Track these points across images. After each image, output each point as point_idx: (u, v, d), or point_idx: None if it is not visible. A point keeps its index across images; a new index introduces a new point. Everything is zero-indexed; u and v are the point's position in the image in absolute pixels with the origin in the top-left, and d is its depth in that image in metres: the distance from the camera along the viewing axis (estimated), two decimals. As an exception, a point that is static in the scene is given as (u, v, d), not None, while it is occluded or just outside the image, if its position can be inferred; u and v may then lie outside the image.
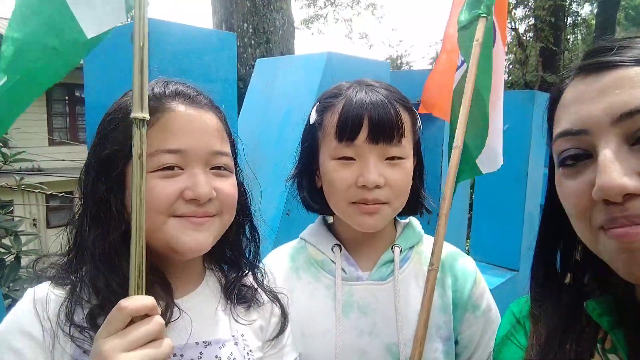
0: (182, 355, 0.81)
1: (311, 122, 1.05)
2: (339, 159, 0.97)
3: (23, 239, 2.60)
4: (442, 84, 1.57)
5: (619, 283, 0.63)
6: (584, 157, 0.60)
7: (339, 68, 1.84)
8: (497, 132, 1.29)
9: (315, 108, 1.05)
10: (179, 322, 0.81)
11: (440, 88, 1.61)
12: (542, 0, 9.54)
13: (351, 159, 0.97)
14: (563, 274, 0.75)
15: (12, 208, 3.23)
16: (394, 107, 0.96)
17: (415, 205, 1.10)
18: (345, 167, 0.97)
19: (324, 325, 1.03)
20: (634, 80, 0.57)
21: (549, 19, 9.51)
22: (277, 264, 1.13)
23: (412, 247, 1.11)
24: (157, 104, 0.79)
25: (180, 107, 0.81)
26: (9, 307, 0.79)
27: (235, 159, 0.93)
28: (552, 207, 0.73)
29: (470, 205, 3.08)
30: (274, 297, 0.98)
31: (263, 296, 0.97)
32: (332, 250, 1.08)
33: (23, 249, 2.53)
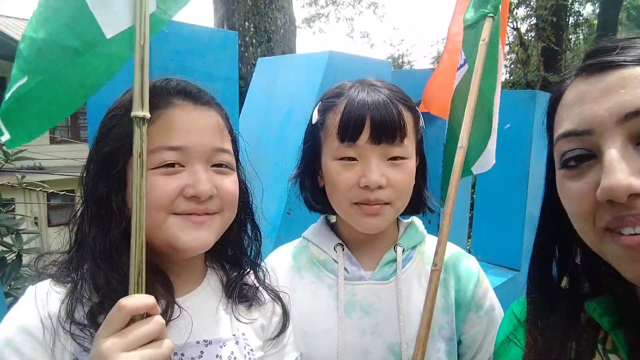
0: (182, 355, 0.81)
1: (313, 122, 1.04)
2: (341, 159, 0.97)
3: (24, 237, 2.60)
4: (443, 83, 1.57)
5: (619, 284, 0.63)
6: (587, 158, 0.60)
7: (341, 67, 1.84)
8: (493, 132, 1.29)
9: (317, 108, 1.04)
10: (179, 320, 0.81)
11: (440, 87, 1.61)
12: (544, -1, 9.53)
13: (353, 159, 0.96)
14: (561, 275, 0.74)
15: (13, 206, 3.23)
16: (396, 107, 0.96)
17: (418, 204, 1.10)
18: (348, 168, 0.97)
19: (326, 325, 1.03)
20: (638, 80, 0.56)
21: (551, 19, 9.49)
22: (280, 263, 1.13)
23: (414, 247, 1.11)
24: (159, 101, 0.79)
25: (181, 104, 0.81)
26: (11, 305, 0.79)
27: (237, 157, 0.93)
28: (550, 209, 0.73)
29: (472, 204, 3.08)
30: (276, 296, 0.98)
31: (264, 295, 0.97)
32: (334, 249, 1.08)
33: (24, 247, 2.53)
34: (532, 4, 10.50)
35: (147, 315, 0.67)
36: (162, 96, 0.80)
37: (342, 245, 1.08)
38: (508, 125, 2.53)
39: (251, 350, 0.89)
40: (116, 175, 0.77)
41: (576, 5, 11.18)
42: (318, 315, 1.04)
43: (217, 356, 0.84)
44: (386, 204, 0.97)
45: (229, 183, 0.84)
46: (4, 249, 2.50)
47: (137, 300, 0.66)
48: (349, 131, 0.94)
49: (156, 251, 0.81)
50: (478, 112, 1.17)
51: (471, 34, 1.20)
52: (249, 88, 2.17)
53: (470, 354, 1.07)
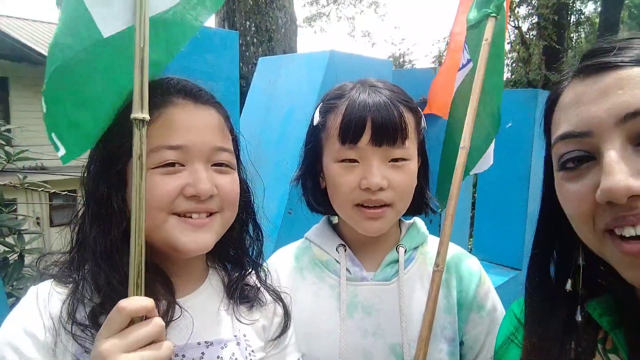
0: (183, 356, 0.81)
1: (314, 123, 1.04)
2: (342, 161, 0.97)
3: (26, 237, 2.60)
4: (444, 83, 1.57)
5: (619, 284, 0.63)
6: (586, 160, 0.60)
7: (341, 66, 1.84)
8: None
9: (318, 109, 1.04)
10: (180, 321, 0.81)
11: (441, 86, 1.61)
12: (546, -2, 9.49)
13: (354, 161, 0.96)
14: (560, 276, 0.74)
15: (15, 207, 3.24)
16: (397, 108, 0.95)
17: (420, 205, 1.09)
18: (349, 170, 0.96)
19: (328, 326, 1.02)
20: (635, 81, 0.56)
21: (552, 18, 9.45)
22: (282, 263, 1.13)
23: (416, 248, 1.10)
24: (159, 100, 0.79)
25: (182, 103, 0.81)
26: (13, 305, 0.79)
27: (237, 156, 0.92)
28: (548, 210, 0.73)
29: (473, 204, 3.07)
30: (277, 297, 0.97)
31: (266, 296, 0.97)
32: (336, 250, 1.08)
33: (26, 247, 2.53)
34: (533, 2, 10.47)
35: (145, 317, 0.67)
36: (162, 95, 0.80)
37: (344, 246, 1.08)
38: (509, 124, 2.53)
39: (252, 351, 0.89)
40: (116, 175, 0.77)
41: (578, 3, 11.14)
42: (320, 316, 1.04)
43: (218, 357, 0.84)
44: (388, 205, 0.97)
45: (230, 182, 0.84)
46: (6, 249, 2.50)
47: (137, 302, 0.66)
48: (349, 133, 0.94)
49: (157, 251, 0.81)
50: (480, 112, 1.16)
51: (474, 34, 1.20)
52: (249, 87, 2.18)
53: (472, 354, 1.07)
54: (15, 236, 2.54)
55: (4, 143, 2.82)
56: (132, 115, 0.71)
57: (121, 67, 0.73)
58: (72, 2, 0.69)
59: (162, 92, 0.80)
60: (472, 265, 1.10)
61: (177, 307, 0.81)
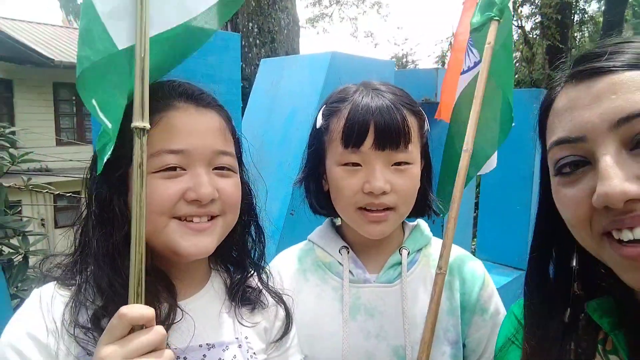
0: (185, 358, 0.81)
1: (317, 126, 1.04)
2: (345, 164, 0.97)
3: (31, 239, 2.62)
4: (447, 85, 1.55)
5: (618, 286, 0.63)
6: (581, 165, 0.60)
7: (343, 68, 1.84)
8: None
9: (321, 112, 1.04)
10: (182, 324, 0.81)
11: (445, 90, 1.60)
12: (549, -3, 9.47)
13: (357, 164, 0.96)
14: (558, 279, 0.74)
15: (20, 208, 3.25)
16: (401, 112, 0.95)
17: (423, 207, 1.09)
18: (352, 174, 0.96)
19: (331, 328, 1.02)
20: (628, 85, 0.57)
21: (556, 17, 9.42)
22: (285, 266, 1.13)
23: (420, 250, 1.10)
24: (161, 104, 0.79)
25: (183, 107, 0.81)
26: (18, 306, 0.80)
27: (240, 159, 0.92)
28: (546, 213, 0.73)
29: (476, 204, 3.07)
30: (279, 299, 0.97)
31: (268, 298, 0.97)
32: (339, 252, 1.08)
33: (31, 249, 2.55)
34: (536, 2, 10.44)
35: (144, 326, 0.67)
36: (163, 99, 0.80)
37: (347, 248, 1.08)
38: (513, 124, 2.52)
39: (254, 353, 0.89)
40: (118, 179, 0.77)
41: (581, 2, 11.11)
42: (323, 318, 1.04)
43: (219, 359, 0.84)
44: (391, 209, 0.97)
45: (231, 186, 0.84)
46: (11, 250, 2.52)
47: (137, 310, 0.66)
48: (352, 137, 0.94)
49: (159, 255, 0.81)
50: (487, 116, 1.16)
51: (479, 37, 1.20)
52: (251, 89, 2.18)
53: (475, 357, 1.07)
54: (20, 238, 2.56)
55: (8, 145, 2.84)
56: (133, 124, 0.71)
57: (132, 76, 0.74)
58: (89, 15, 0.70)
59: (164, 96, 0.81)
60: (475, 267, 1.10)
61: (178, 309, 0.81)
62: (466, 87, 1.26)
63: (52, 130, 11.28)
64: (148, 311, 0.67)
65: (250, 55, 6.07)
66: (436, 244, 1.12)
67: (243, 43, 6.18)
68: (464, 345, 1.07)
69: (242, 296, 0.92)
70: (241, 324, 0.90)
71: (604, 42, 0.63)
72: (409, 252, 1.07)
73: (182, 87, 0.84)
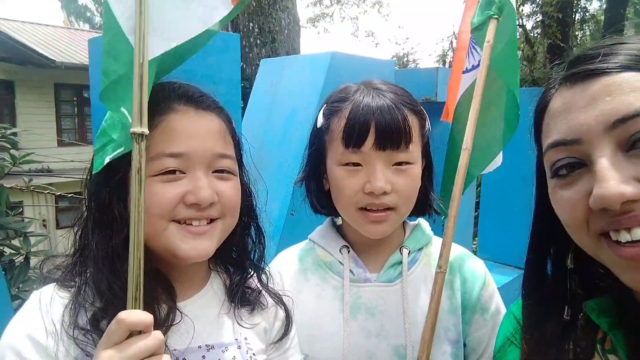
0: (184, 359, 0.81)
1: (318, 125, 1.04)
2: (346, 164, 0.97)
3: (32, 240, 2.62)
4: (449, 86, 1.55)
5: (617, 286, 0.63)
6: (578, 167, 0.60)
7: (343, 68, 1.84)
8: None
9: (322, 111, 1.04)
10: (181, 325, 0.81)
11: (448, 90, 1.59)
12: (550, -4, 9.45)
13: (358, 164, 0.96)
14: (556, 279, 0.74)
15: (21, 209, 3.26)
16: (402, 112, 0.95)
17: (424, 207, 1.09)
18: (352, 174, 0.96)
19: (332, 327, 1.02)
20: (622, 87, 0.57)
21: (557, 15, 9.41)
22: (286, 265, 1.13)
23: (420, 249, 1.10)
24: (161, 106, 0.79)
25: (183, 109, 0.81)
26: (19, 307, 0.80)
27: (240, 160, 0.92)
28: (542, 214, 0.73)
29: (477, 203, 3.06)
30: (279, 300, 0.97)
31: (267, 299, 0.97)
32: (340, 251, 1.08)
33: (32, 250, 2.56)
34: (537, 0, 10.43)
35: (142, 332, 0.67)
36: (163, 101, 0.80)
37: (348, 247, 1.08)
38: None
39: (253, 354, 0.89)
40: (118, 182, 0.77)
41: (582, 1, 11.09)
42: (323, 318, 1.04)
43: None
44: (391, 209, 0.97)
45: (230, 189, 0.84)
46: (12, 251, 2.52)
47: (136, 315, 0.66)
48: (353, 137, 0.94)
49: (158, 257, 0.81)
50: (493, 114, 1.15)
51: (480, 37, 1.19)
52: (252, 89, 2.18)
53: (475, 356, 1.06)
54: (21, 239, 2.56)
55: (9, 146, 2.85)
56: (131, 130, 0.71)
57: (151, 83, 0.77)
58: (113, 31, 0.73)
59: (164, 98, 0.81)
60: (476, 267, 1.10)
61: (177, 311, 0.81)
62: (469, 86, 1.26)
63: (53, 131, 11.31)
64: (146, 317, 0.67)
65: (250, 55, 6.08)
66: (437, 243, 1.12)
67: (244, 43, 6.18)
68: (464, 345, 1.07)
69: (242, 297, 0.92)
70: (240, 325, 0.90)
71: (597, 43, 0.64)
72: (409, 252, 1.07)
73: (182, 89, 0.84)
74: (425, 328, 0.97)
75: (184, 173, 0.79)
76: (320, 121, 1.03)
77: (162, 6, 0.78)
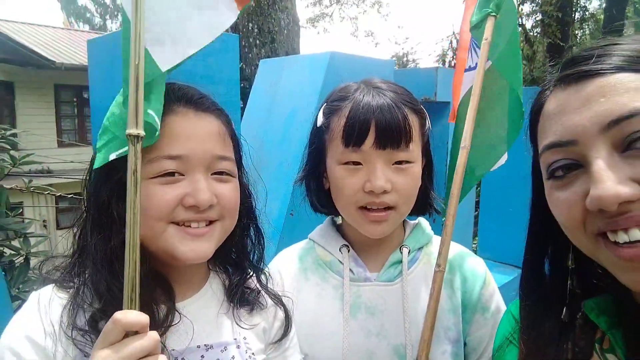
0: (183, 359, 0.81)
1: (318, 124, 1.04)
2: (346, 163, 0.97)
3: (32, 240, 2.63)
4: (454, 86, 1.54)
5: (616, 286, 0.63)
6: (574, 168, 0.60)
7: (342, 67, 1.84)
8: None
9: (322, 110, 1.04)
10: (180, 325, 0.81)
11: (453, 91, 1.59)
12: (550, -5, 9.46)
13: (358, 163, 0.96)
14: (553, 279, 0.75)
15: (21, 210, 3.26)
16: (402, 111, 0.94)
17: (424, 206, 1.09)
18: (352, 173, 0.96)
19: (332, 326, 1.02)
20: (616, 88, 0.57)
21: (556, 14, 9.41)
22: (286, 265, 1.13)
23: (421, 248, 1.10)
24: None
25: (182, 111, 0.81)
26: (18, 309, 0.80)
27: (240, 161, 0.92)
28: (538, 216, 0.73)
29: (477, 203, 3.06)
30: (278, 301, 0.97)
31: (267, 299, 0.97)
32: (340, 251, 1.08)
33: (32, 250, 2.56)
34: (537, 0, 10.43)
35: (138, 332, 0.67)
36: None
37: (348, 247, 1.08)
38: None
39: (253, 354, 0.89)
40: (116, 183, 0.77)
41: (582, 0, 11.09)
42: (323, 317, 1.04)
43: None
44: (391, 208, 0.97)
45: (229, 191, 0.84)
46: (12, 252, 2.53)
47: (131, 316, 0.66)
48: (353, 136, 0.94)
49: (157, 258, 0.81)
50: (498, 113, 1.14)
51: (479, 35, 1.19)
52: (251, 89, 2.18)
53: (476, 355, 1.06)
54: (21, 239, 2.57)
55: (9, 147, 2.85)
56: (127, 131, 0.70)
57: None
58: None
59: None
60: (476, 265, 1.09)
61: (176, 312, 0.81)
62: (472, 85, 1.25)
63: (53, 132, 11.31)
64: (142, 317, 0.66)
65: (250, 55, 6.08)
66: (437, 242, 1.11)
67: (243, 43, 6.18)
68: (465, 344, 1.07)
69: (241, 297, 0.93)
70: (239, 325, 0.91)
71: (591, 44, 0.64)
72: (409, 251, 1.07)
73: (181, 90, 0.84)
74: (424, 327, 0.97)
75: (183, 175, 0.79)
76: (320, 120, 1.03)
77: (178, 17, 0.80)
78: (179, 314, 0.82)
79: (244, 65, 6.06)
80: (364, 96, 0.96)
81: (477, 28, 1.19)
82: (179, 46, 0.80)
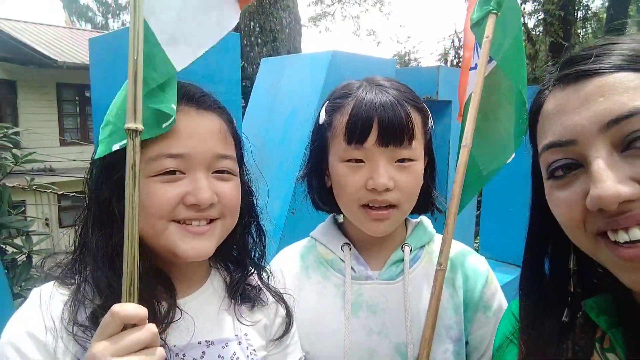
0: (184, 355, 0.82)
1: (320, 122, 1.04)
2: (348, 161, 0.96)
3: (34, 238, 2.64)
4: (460, 85, 1.54)
5: (616, 285, 0.63)
6: (574, 167, 0.60)
7: (344, 66, 1.84)
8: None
9: (324, 108, 1.04)
10: (181, 322, 0.82)
11: (459, 90, 1.58)
12: (552, -6, 9.43)
13: (360, 161, 0.96)
14: (554, 279, 0.74)
15: (23, 208, 3.28)
16: (405, 108, 0.94)
17: (426, 204, 1.09)
18: (355, 170, 0.96)
19: (333, 325, 1.02)
20: (615, 87, 0.57)
21: (559, 13, 9.38)
22: (288, 263, 1.13)
23: (422, 247, 1.10)
24: None
25: (183, 109, 0.81)
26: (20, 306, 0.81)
27: (241, 159, 0.92)
28: (538, 215, 0.73)
29: (479, 202, 3.06)
30: (279, 298, 0.98)
31: (268, 296, 0.97)
32: (341, 249, 1.08)
33: (35, 248, 2.57)
34: (539, -2, 10.40)
35: (135, 325, 0.67)
36: None
37: (349, 245, 1.08)
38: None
39: (254, 350, 0.90)
40: (117, 181, 0.77)
41: (584, -1, 11.05)
42: (325, 315, 1.04)
43: (219, 356, 0.85)
44: (393, 206, 0.97)
45: (231, 189, 0.84)
46: (15, 250, 2.54)
47: (129, 309, 0.66)
48: (356, 133, 0.93)
49: (159, 255, 0.82)
50: (507, 111, 1.14)
51: (479, 32, 1.19)
52: (252, 88, 2.18)
53: (478, 354, 1.06)
54: (24, 237, 2.58)
55: (11, 146, 2.86)
56: (126, 126, 0.71)
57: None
58: (151, 43, 0.78)
59: None
60: (478, 264, 1.09)
61: (177, 308, 0.82)
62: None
63: (55, 130, 11.34)
64: (140, 310, 0.67)
65: (252, 54, 6.08)
66: (439, 240, 1.11)
67: (245, 42, 6.18)
68: (466, 343, 1.07)
69: (242, 294, 0.93)
70: (240, 322, 0.91)
71: (590, 44, 0.64)
72: (411, 249, 1.07)
73: (183, 88, 0.84)
74: (425, 326, 0.97)
75: (184, 173, 0.79)
76: (322, 117, 1.03)
77: (188, 17, 0.82)
78: (180, 310, 0.82)
79: (245, 64, 6.06)
80: (366, 94, 0.96)
81: (477, 25, 1.18)
82: (191, 46, 0.83)
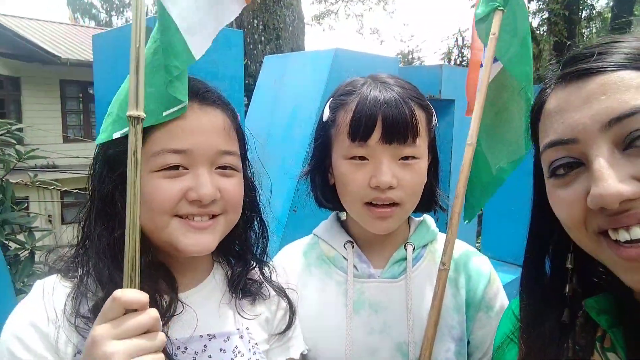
0: (186, 348, 0.82)
1: (324, 119, 1.03)
2: (352, 158, 0.96)
3: (37, 234, 2.65)
4: (467, 82, 1.53)
5: (617, 285, 0.63)
6: (575, 166, 0.60)
7: (347, 64, 1.83)
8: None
9: (328, 105, 1.03)
10: (183, 315, 0.82)
11: (467, 87, 1.58)
12: (556, -7, 9.39)
13: (364, 158, 0.95)
14: (554, 278, 0.74)
15: (26, 204, 3.29)
16: (409, 106, 0.94)
17: (429, 203, 1.08)
18: (358, 168, 0.96)
19: (335, 322, 1.02)
20: (617, 85, 0.57)
21: (563, 13, 9.35)
22: (290, 260, 1.13)
23: (425, 246, 1.09)
24: None
25: (187, 105, 0.81)
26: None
27: (244, 155, 0.92)
28: (540, 214, 0.73)
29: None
30: (282, 293, 0.98)
31: (270, 290, 0.97)
32: (344, 247, 1.08)
33: (37, 244, 2.58)
34: (544, -2, 10.36)
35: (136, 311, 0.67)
36: None
37: (352, 243, 1.08)
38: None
39: (256, 344, 0.90)
40: (120, 175, 0.77)
41: (589, -2, 11.00)
42: (326, 313, 1.04)
43: (221, 350, 0.85)
44: (397, 204, 0.96)
45: (233, 185, 0.84)
46: (17, 246, 2.55)
47: (130, 294, 0.66)
48: (360, 131, 0.93)
49: (161, 249, 0.82)
50: (514, 109, 1.13)
51: (483, 29, 1.18)
52: (255, 86, 2.18)
53: (479, 354, 1.06)
54: (26, 233, 2.59)
55: (14, 142, 2.87)
56: (128, 113, 0.71)
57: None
58: (171, 31, 0.79)
59: None
60: (481, 264, 1.09)
61: (179, 302, 0.82)
62: (490, 81, 1.24)
63: (59, 127, 11.37)
64: (141, 295, 0.67)
65: (255, 52, 6.08)
66: (442, 239, 1.10)
67: (248, 40, 6.18)
68: (468, 342, 1.06)
69: (243, 288, 0.93)
70: (241, 315, 0.91)
71: (592, 42, 0.63)
72: (414, 248, 1.06)
73: (187, 83, 0.84)
74: (427, 325, 0.96)
75: (187, 169, 0.79)
76: (326, 114, 1.02)
77: (205, 6, 0.83)
78: (182, 304, 0.82)
79: (248, 62, 6.06)
80: (370, 91, 0.95)
81: (482, 22, 1.17)
82: (205, 36, 0.84)
